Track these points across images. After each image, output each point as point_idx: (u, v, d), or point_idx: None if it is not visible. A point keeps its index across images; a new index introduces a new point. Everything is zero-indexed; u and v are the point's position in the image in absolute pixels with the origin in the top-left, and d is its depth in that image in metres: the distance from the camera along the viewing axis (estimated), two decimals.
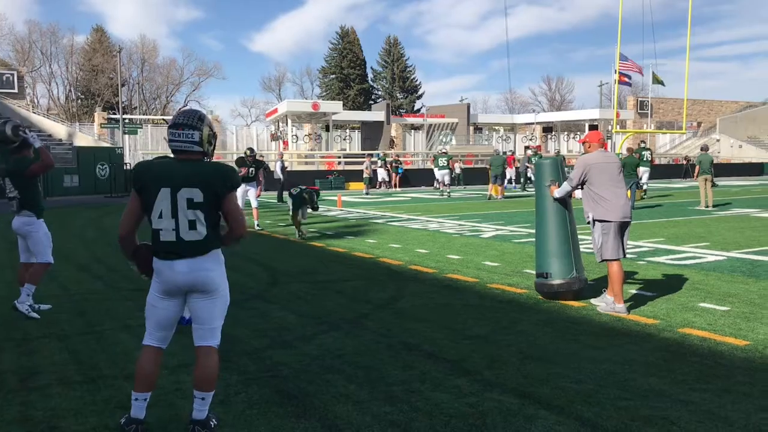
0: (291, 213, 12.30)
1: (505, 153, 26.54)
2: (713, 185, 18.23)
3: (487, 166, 24.41)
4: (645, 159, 21.11)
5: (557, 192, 6.51)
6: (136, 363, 3.60)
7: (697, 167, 18.34)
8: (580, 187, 6.37)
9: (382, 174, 33.21)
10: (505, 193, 24.48)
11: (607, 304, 6.16)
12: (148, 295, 3.55)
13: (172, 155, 3.52)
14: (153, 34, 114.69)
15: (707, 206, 17.56)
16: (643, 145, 21.46)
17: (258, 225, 13.97)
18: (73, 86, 73.15)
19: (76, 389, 4.24)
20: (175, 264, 3.39)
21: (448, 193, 26.19)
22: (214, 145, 3.60)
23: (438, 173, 27.37)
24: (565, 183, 6.49)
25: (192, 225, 3.37)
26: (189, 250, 3.39)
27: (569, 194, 6.56)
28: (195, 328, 3.55)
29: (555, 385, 4.22)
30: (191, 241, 3.38)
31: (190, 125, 3.43)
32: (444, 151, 28.52)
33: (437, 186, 28.85)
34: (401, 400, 3.98)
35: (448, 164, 26.42)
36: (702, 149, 19.25)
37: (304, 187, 12.33)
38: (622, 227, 6.22)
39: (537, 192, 6.84)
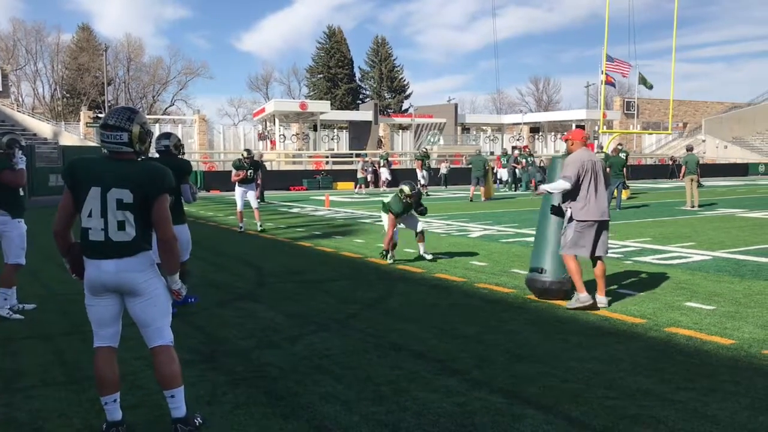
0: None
1: (480, 152, 26.19)
2: (699, 185, 18.37)
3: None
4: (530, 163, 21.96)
5: (549, 187, 6.46)
6: (93, 368, 3.52)
7: (683, 167, 18.50)
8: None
9: (385, 174, 32.95)
10: (494, 194, 24.50)
11: (576, 300, 6.24)
12: (85, 297, 3.50)
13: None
14: (140, 32, 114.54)
15: (693, 206, 17.68)
16: (620, 147, 21.72)
17: (260, 226, 13.52)
18: (58, 85, 72.66)
19: (60, 390, 4.20)
20: (102, 264, 3.34)
21: (426, 193, 26.16)
22: (149, 143, 3.52)
23: (419, 173, 27.74)
24: (560, 180, 6.40)
25: (121, 225, 3.32)
26: (117, 250, 3.33)
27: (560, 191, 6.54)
28: (141, 331, 3.50)
29: (543, 384, 4.22)
30: (119, 241, 3.33)
31: (118, 126, 3.36)
32: (425, 150, 29.10)
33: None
34: (389, 400, 3.97)
35: (425, 165, 27.17)
36: (687, 150, 19.40)
37: None
38: (600, 226, 6.26)
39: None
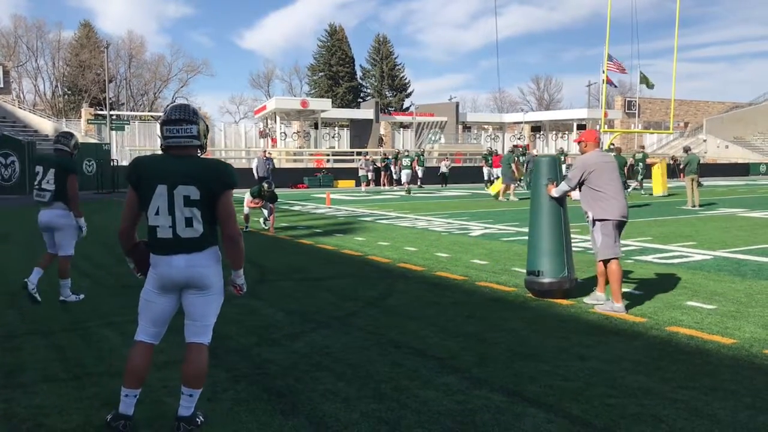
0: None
1: (513, 151, 26.71)
2: (699, 185, 18.37)
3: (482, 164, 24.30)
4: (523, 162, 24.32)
5: (555, 191, 6.50)
6: (127, 358, 3.55)
7: (683, 167, 18.55)
8: (578, 188, 6.37)
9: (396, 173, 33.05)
10: (491, 192, 24.52)
11: (605, 303, 6.16)
12: (143, 291, 3.51)
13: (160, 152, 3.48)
14: (143, 30, 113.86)
15: (694, 205, 17.68)
16: (612, 147, 21.88)
17: (266, 225, 13.43)
18: (59, 82, 72.65)
19: (61, 386, 4.20)
20: (172, 259, 3.36)
21: (408, 190, 27.91)
22: (207, 138, 3.56)
23: (403, 172, 29.26)
24: (563, 183, 6.47)
25: (189, 222, 3.34)
26: (186, 246, 3.36)
27: (567, 194, 6.55)
28: (188, 324, 3.52)
29: (544, 382, 4.22)
30: (188, 238, 3.35)
31: (187, 120, 3.39)
32: (407, 151, 30.74)
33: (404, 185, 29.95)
34: (390, 398, 3.96)
35: (410, 164, 28.70)
36: (685, 150, 19.43)
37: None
38: (620, 226, 6.23)
39: (533, 189, 6.84)
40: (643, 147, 25.60)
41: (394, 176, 33.52)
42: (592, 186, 6.23)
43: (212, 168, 3.40)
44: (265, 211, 13.22)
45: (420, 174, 30.35)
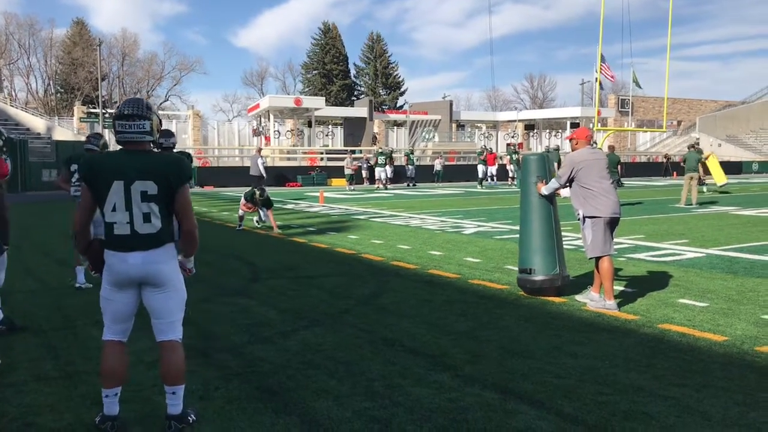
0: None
1: (552, 149, 26.77)
2: (700, 183, 18.38)
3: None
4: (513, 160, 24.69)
5: (544, 189, 6.51)
6: (101, 360, 3.53)
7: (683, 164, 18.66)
8: (568, 185, 6.37)
9: (388, 172, 33.11)
10: (489, 189, 24.57)
11: (596, 301, 6.17)
12: (101, 290, 3.50)
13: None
14: (136, 28, 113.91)
15: (690, 203, 17.75)
16: (594, 144, 21.96)
17: (257, 222, 13.45)
18: (52, 80, 72.36)
19: (52, 385, 4.18)
20: (128, 256, 3.35)
21: (385, 188, 29.06)
22: (159, 133, 3.53)
23: (377, 170, 30.04)
24: (553, 180, 6.49)
25: (146, 218, 3.33)
26: (143, 243, 3.35)
27: (556, 192, 6.56)
28: (154, 323, 3.51)
29: (536, 380, 4.22)
30: (146, 234, 3.35)
31: (140, 115, 3.37)
32: (381, 149, 31.45)
33: (379, 184, 30.45)
34: (382, 396, 3.96)
35: (385, 162, 29.61)
36: (689, 147, 19.48)
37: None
38: (612, 223, 6.23)
39: (522, 188, 6.85)
40: (695, 145, 24.74)
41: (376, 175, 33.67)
42: (581, 183, 6.23)
43: (170, 162, 3.42)
44: (261, 212, 13.12)
45: (390, 174, 31.17)
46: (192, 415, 3.55)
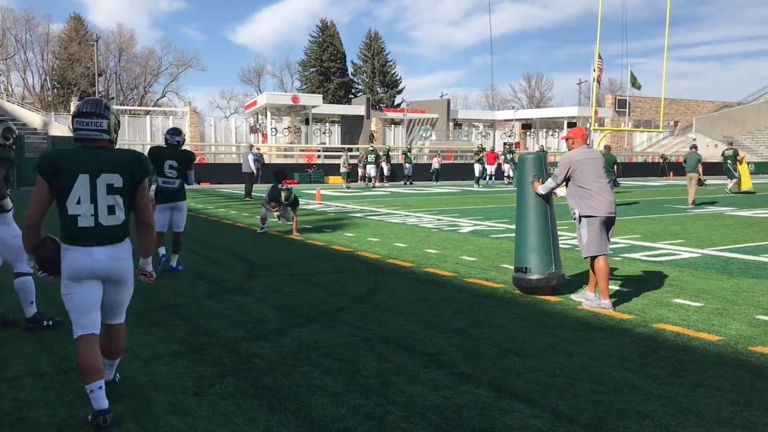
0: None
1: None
2: (700, 183, 18.41)
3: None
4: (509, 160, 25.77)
5: (541, 188, 6.51)
6: (77, 357, 3.51)
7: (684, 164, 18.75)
8: (564, 184, 6.38)
9: (385, 170, 33.21)
10: (485, 188, 24.57)
11: (592, 301, 6.18)
12: (61, 287, 3.50)
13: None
14: (134, 24, 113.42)
15: (694, 203, 17.79)
16: (571, 140, 22.13)
17: (283, 221, 12.32)
18: (48, 75, 72.16)
19: (46, 380, 4.17)
20: (93, 251, 3.43)
21: (373, 186, 29.81)
22: (117, 134, 3.67)
23: (368, 167, 30.82)
24: (549, 180, 6.49)
25: (111, 210, 3.47)
26: (107, 235, 3.46)
27: (552, 191, 6.56)
28: (107, 310, 3.69)
29: (530, 378, 4.23)
30: (110, 225, 3.46)
31: (98, 114, 3.50)
32: (372, 148, 31.95)
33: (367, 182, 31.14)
34: (377, 393, 3.96)
35: (375, 160, 30.38)
36: (690, 148, 19.52)
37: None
38: (608, 223, 6.24)
39: (518, 187, 6.85)
40: (731, 144, 25.11)
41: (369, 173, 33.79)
42: (577, 183, 6.24)
43: (133, 157, 3.60)
44: (287, 212, 11.98)
45: (387, 172, 32.23)
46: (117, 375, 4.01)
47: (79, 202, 3.41)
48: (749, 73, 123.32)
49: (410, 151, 35.76)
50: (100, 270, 3.45)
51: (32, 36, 70.85)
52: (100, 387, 3.43)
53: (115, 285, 3.56)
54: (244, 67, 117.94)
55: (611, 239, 6.44)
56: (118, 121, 3.65)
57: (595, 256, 6.19)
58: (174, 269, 8.02)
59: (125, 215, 3.51)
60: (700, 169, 18.38)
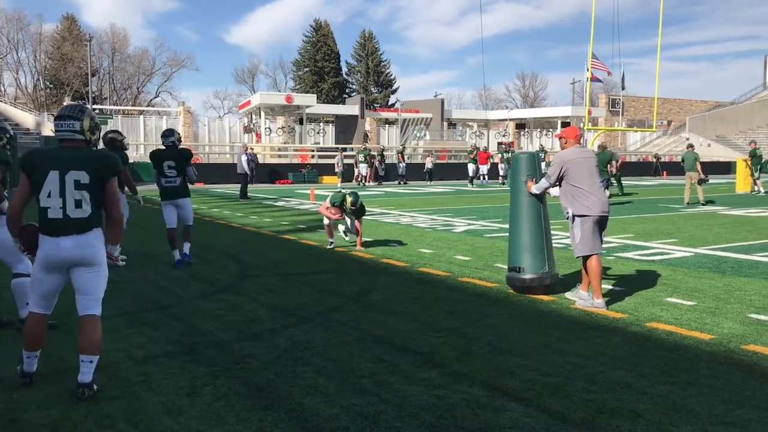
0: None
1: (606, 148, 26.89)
2: (700, 182, 18.44)
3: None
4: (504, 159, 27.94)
5: (534, 188, 6.52)
6: (25, 327, 4.10)
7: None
8: (557, 183, 6.39)
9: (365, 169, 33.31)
10: (479, 188, 24.59)
11: (585, 300, 6.19)
12: (33, 270, 4.00)
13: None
14: (127, 24, 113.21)
15: (698, 201, 17.82)
16: (541, 147, 22.24)
17: (346, 236, 10.47)
18: (41, 75, 71.88)
19: (40, 381, 4.15)
20: (61, 240, 3.81)
21: (364, 185, 30.37)
22: (98, 135, 4.06)
23: (360, 167, 31.82)
24: (542, 180, 6.49)
25: (78, 204, 3.81)
26: (75, 226, 3.81)
27: (546, 191, 6.57)
28: (79, 299, 3.96)
29: (524, 377, 4.24)
30: (77, 218, 3.82)
31: (72, 116, 3.90)
32: (364, 147, 33.16)
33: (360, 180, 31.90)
34: (370, 393, 3.97)
35: (365, 159, 31.43)
36: (687, 147, 19.59)
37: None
38: (601, 222, 6.25)
39: (512, 186, 6.86)
40: (754, 142, 25.22)
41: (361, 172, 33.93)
42: (570, 182, 6.25)
43: (101, 157, 3.95)
44: (348, 221, 10.23)
45: (380, 171, 32.98)
46: (96, 386, 3.95)
47: (49, 196, 3.79)
48: (742, 73, 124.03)
49: (404, 151, 36.08)
50: (68, 257, 3.82)
51: (24, 36, 70.63)
52: (35, 356, 4.05)
53: (85, 267, 3.88)
54: (238, 66, 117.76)
55: (604, 239, 6.46)
56: (96, 124, 4.01)
57: (588, 256, 6.20)
58: (187, 257, 8.57)
59: (92, 209, 3.84)
60: (699, 167, 18.40)
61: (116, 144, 8.53)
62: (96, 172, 3.84)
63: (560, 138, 6.59)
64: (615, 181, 19.66)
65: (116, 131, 8.74)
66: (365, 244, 10.08)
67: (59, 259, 3.82)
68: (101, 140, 7.63)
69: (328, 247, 9.96)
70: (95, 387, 3.92)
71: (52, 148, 3.98)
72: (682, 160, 18.88)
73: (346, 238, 10.34)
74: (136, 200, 8.54)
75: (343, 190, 10.24)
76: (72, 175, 3.80)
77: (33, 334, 4.00)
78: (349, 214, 9.97)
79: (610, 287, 6.96)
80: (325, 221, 9.98)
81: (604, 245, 8.05)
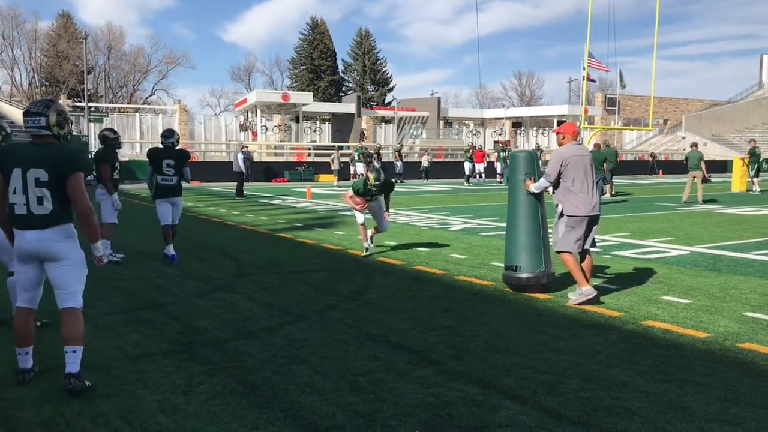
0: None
1: (609, 145, 26.84)
2: (704, 181, 18.44)
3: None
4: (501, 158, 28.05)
5: (533, 187, 6.50)
6: (13, 324, 4.16)
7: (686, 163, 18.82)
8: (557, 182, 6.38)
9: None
10: (476, 186, 24.58)
11: (574, 294, 6.20)
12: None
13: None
14: (123, 21, 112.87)
15: (697, 200, 17.83)
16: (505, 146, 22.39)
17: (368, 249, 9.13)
18: (36, 72, 71.64)
19: (33, 379, 4.14)
20: (25, 234, 3.91)
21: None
22: (68, 129, 4.07)
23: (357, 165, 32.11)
24: (542, 179, 6.48)
25: (39, 201, 3.88)
26: (38, 222, 3.88)
27: (545, 190, 6.56)
28: (56, 293, 4.01)
29: (520, 375, 4.24)
30: (39, 215, 3.88)
31: (37, 112, 3.93)
32: (361, 146, 32.97)
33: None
34: (366, 391, 3.96)
35: (359, 157, 31.08)
36: (691, 146, 19.56)
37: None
38: (591, 221, 6.26)
39: (510, 185, 6.86)
40: (753, 141, 25.32)
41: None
42: (564, 179, 6.26)
43: (61, 153, 3.93)
44: (376, 208, 9.10)
45: (360, 169, 32.90)
46: (87, 381, 3.92)
47: (15, 193, 3.90)
48: (738, 72, 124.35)
49: (402, 149, 36.19)
50: (31, 250, 3.91)
51: (20, 33, 70.30)
52: (27, 352, 4.08)
53: (52, 262, 3.94)
54: (234, 64, 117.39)
55: (595, 236, 6.47)
56: (64, 118, 4.01)
57: (566, 252, 6.26)
58: (173, 258, 8.66)
59: (53, 206, 3.89)
60: (703, 166, 18.38)
61: (108, 142, 8.57)
62: (55, 168, 3.86)
63: (558, 133, 6.58)
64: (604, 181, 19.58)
65: (110, 129, 8.78)
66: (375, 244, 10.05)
67: (25, 252, 3.93)
68: (97, 138, 7.69)
69: (365, 253, 8.92)
70: (87, 383, 3.90)
71: (19, 145, 4.06)
72: (686, 159, 18.80)
73: (366, 253, 8.99)
74: (112, 200, 8.47)
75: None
76: (33, 172, 3.86)
77: (20, 330, 4.06)
78: (376, 195, 8.87)
79: (607, 285, 6.96)
80: (359, 220, 9.11)
81: (601, 243, 8.05)
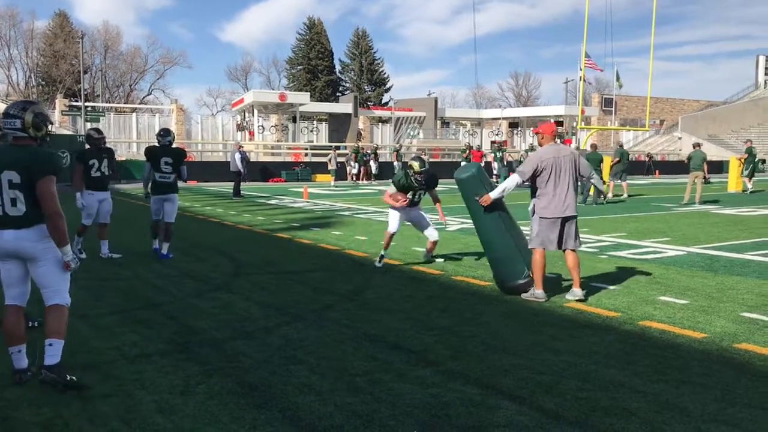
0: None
1: (621, 145, 26.78)
2: (705, 181, 18.44)
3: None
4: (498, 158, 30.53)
5: (494, 194, 6.46)
6: (3, 322, 4.16)
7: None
8: (529, 181, 6.40)
9: (373, 167, 33.45)
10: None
11: (528, 291, 6.38)
12: None
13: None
14: (120, 21, 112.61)
15: (694, 201, 17.82)
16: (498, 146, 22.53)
17: (433, 258, 8.66)
18: (33, 72, 71.48)
19: (31, 379, 4.13)
20: (3, 233, 3.96)
21: (356, 183, 31.06)
22: (46, 130, 4.09)
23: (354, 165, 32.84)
24: (514, 175, 6.47)
25: (13, 202, 3.94)
26: (14, 222, 3.94)
27: (517, 185, 6.51)
28: (42, 292, 4.09)
29: (517, 376, 4.24)
30: (14, 216, 3.94)
31: (13, 114, 3.98)
32: (357, 145, 33.75)
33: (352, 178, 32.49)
34: (364, 391, 3.96)
35: (354, 157, 31.96)
36: (694, 146, 19.56)
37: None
38: (563, 222, 6.29)
39: (469, 209, 6.82)
40: (750, 141, 25.40)
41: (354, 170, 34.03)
42: (539, 182, 6.32)
43: (33, 156, 3.97)
44: (430, 229, 8.60)
45: (374, 170, 33.33)
46: (72, 377, 3.94)
47: None
48: (734, 73, 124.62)
49: (400, 150, 36.38)
50: (9, 249, 3.96)
51: (16, 32, 70.15)
52: (20, 351, 4.09)
53: (33, 263, 4.01)
54: (231, 64, 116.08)
55: (579, 236, 6.52)
56: (42, 120, 4.04)
57: (537, 249, 6.34)
58: (165, 257, 8.75)
59: (26, 208, 3.93)
60: (705, 167, 18.38)
61: (92, 141, 8.64)
62: (26, 171, 3.91)
63: (537, 134, 6.60)
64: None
65: (95, 129, 8.84)
66: (363, 248, 10.06)
67: (3, 250, 3.98)
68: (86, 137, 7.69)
69: (377, 264, 8.15)
70: (69, 377, 3.93)
71: (1, 147, 4.13)
72: (689, 159, 18.76)
73: (378, 265, 8.17)
74: (76, 198, 8.42)
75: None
76: (6, 174, 3.92)
77: (10, 329, 4.09)
78: (418, 190, 8.15)
79: (604, 286, 6.97)
80: (390, 228, 8.28)
81: (598, 244, 8.06)
